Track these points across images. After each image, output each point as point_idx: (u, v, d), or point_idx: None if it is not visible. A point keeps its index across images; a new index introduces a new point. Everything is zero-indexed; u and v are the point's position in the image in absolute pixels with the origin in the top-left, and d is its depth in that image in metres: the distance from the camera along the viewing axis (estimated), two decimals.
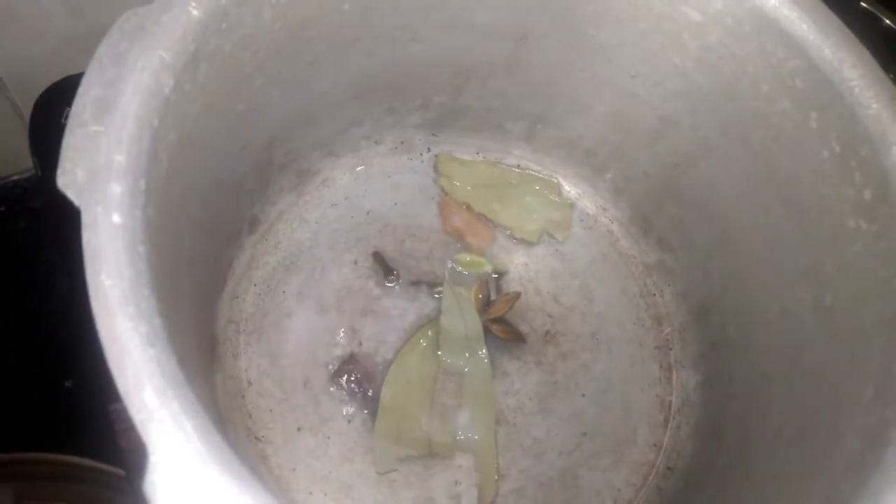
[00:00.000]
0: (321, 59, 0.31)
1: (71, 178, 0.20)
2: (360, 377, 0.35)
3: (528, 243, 0.40)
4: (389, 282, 0.38)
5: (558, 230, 0.40)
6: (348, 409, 0.34)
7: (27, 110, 0.45)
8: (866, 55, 0.27)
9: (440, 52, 0.34)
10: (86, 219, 0.19)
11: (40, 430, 0.44)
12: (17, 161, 0.51)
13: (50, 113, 0.43)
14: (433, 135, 0.41)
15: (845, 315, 0.28)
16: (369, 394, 0.35)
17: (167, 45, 0.22)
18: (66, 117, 0.45)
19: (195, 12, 0.23)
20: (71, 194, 0.20)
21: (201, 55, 0.23)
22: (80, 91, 0.21)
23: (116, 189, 0.20)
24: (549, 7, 0.33)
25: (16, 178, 0.52)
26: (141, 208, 0.20)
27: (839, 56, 0.27)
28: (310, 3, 0.27)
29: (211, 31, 0.24)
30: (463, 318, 0.36)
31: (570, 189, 0.41)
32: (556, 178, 0.41)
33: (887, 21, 0.45)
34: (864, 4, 0.45)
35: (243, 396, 0.34)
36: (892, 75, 0.38)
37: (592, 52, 0.34)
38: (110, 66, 0.21)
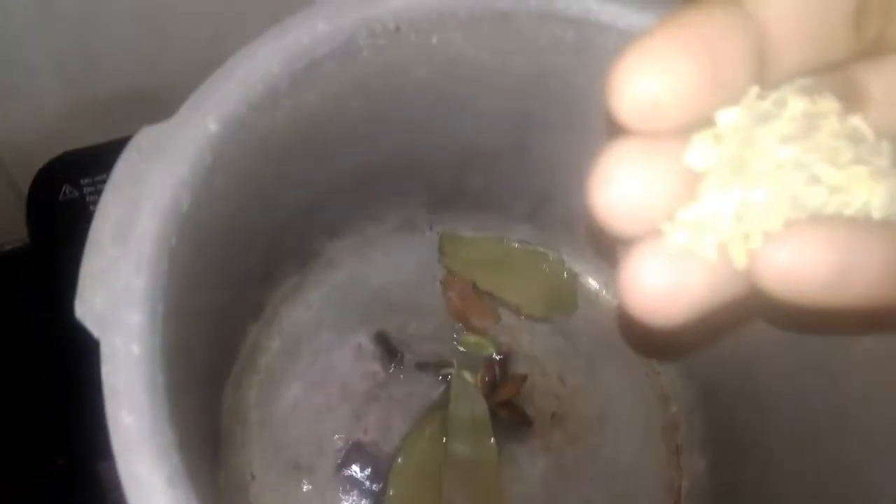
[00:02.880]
0: (330, 152, 0.31)
1: (89, 308, 0.19)
2: (366, 467, 0.34)
3: (532, 322, 0.40)
4: (394, 364, 0.37)
5: (565, 306, 0.40)
6: (355, 502, 0.34)
7: (23, 183, 0.44)
8: None
9: (445, 138, 0.35)
10: (105, 350, 0.19)
11: None
12: (11, 232, 0.50)
13: (48, 189, 0.43)
14: (436, 213, 0.41)
15: (857, 410, 0.28)
16: (375, 486, 0.34)
17: (186, 162, 0.22)
18: (64, 194, 0.44)
19: (213, 126, 0.23)
20: (89, 324, 0.19)
21: (217, 166, 0.23)
22: (98, 214, 0.21)
23: (136, 318, 0.19)
24: (552, 96, 0.33)
25: (9, 248, 0.52)
26: (160, 334, 0.20)
27: None
28: (321, 103, 0.28)
29: (227, 142, 0.23)
30: (471, 406, 0.35)
31: (572, 265, 0.41)
32: (560, 254, 0.41)
33: None
34: None
35: (247, 491, 0.33)
36: None
37: (595, 139, 0.34)
38: (128, 187, 0.21)
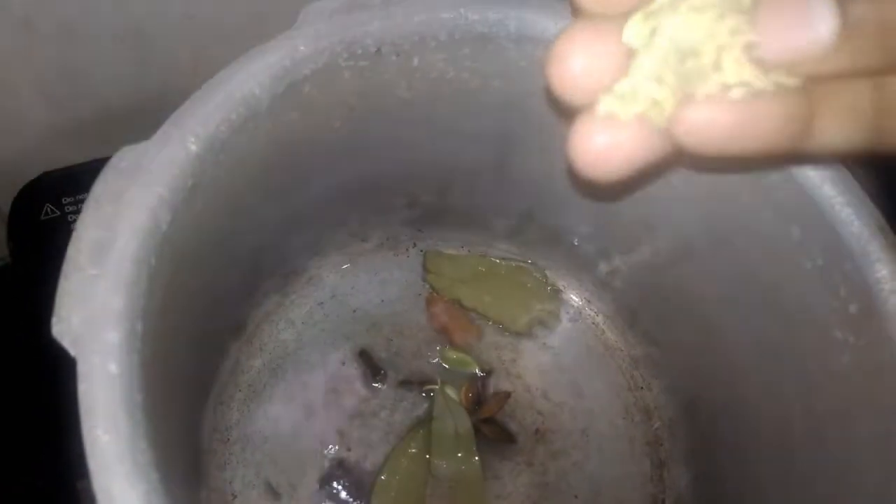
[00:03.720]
0: (311, 172, 0.31)
1: (66, 327, 0.19)
2: (349, 485, 0.34)
3: (516, 339, 0.40)
4: (377, 382, 0.37)
5: (549, 318, 0.40)
6: None
7: (4, 203, 0.44)
8: (846, 174, 0.28)
9: (427, 158, 0.35)
10: (82, 369, 0.19)
11: None
12: None
13: (29, 209, 0.43)
14: (419, 230, 0.41)
15: (836, 426, 0.28)
16: (359, 502, 0.34)
17: (166, 182, 0.22)
18: (46, 213, 0.44)
19: (193, 147, 0.23)
20: (66, 343, 0.19)
21: (198, 187, 0.23)
22: (77, 233, 0.21)
23: (114, 337, 0.19)
24: (532, 116, 0.33)
25: None
26: (138, 353, 0.20)
27: (820, 173, 0.28)
28: (303, 124, 0.28)
29: (208, 162, 0.24)
30: (454, 422, 0.35)
31: (555, 280, 0.42)
32: (543, 269, 0.41)
33: None
34: None
35: None
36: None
37: None
38: (107, 206, 0.21)
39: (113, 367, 0.19)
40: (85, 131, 0.46)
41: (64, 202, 0.42)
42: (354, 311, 0.39)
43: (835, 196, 0.28)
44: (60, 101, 0.45)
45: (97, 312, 0.20)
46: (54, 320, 0.20)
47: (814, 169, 0.28)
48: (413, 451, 0.35)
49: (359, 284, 0.40)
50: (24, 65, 0.42)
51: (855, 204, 0.27)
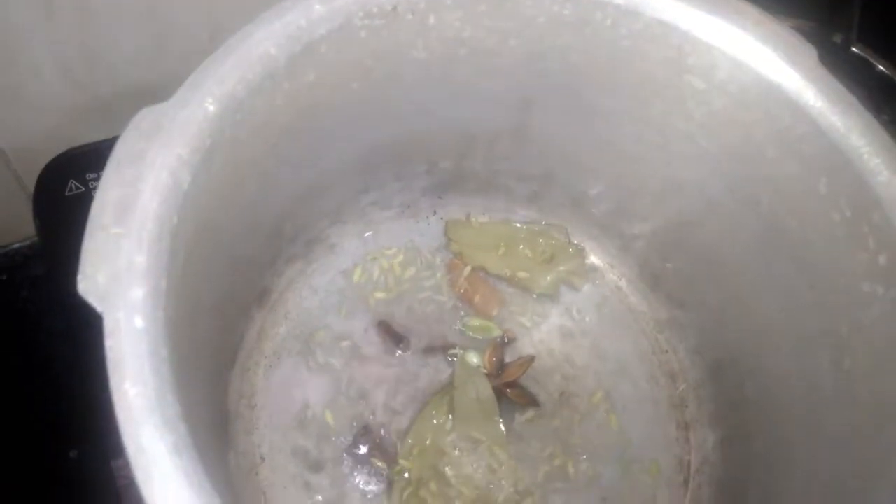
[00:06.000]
0: (330, 136, 0.31)
1: (92, 284, 0.20)
2: (374, 449, 0.35)
3: (539, 304, 0.40)
4: (400, 349, 0.37)
5: (575, 278, 0.40)
6: (364, 483, 0.34)
7: (29, 181, 0.45)
8: (874, 123, 0.27)
9: (446, 121, 0.35)
10: (108, 325, 0.19)
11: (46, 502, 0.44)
12: (18, 230, 0.51)
13: (54, 185, 0.43)
14: (439, 197, 0.41)
15: (865, 380, 0.28)
16: (385, 466, 0.34)
17: (185, 142, 0.22)
18: (70, 189, 0.45)
19: (211, 107, 0.23)
20: (92, 300, 0.20)
21: (217, 147, 0.23)
22: (99, 192, 0.21)
23: (138, 293, 0.20)
24: (551, 76, 0.33)
25: (17, 245, 0.52)
26: (163, 309, 0.20)
27: (847, 123, 0.27)
28: (320, 86, 0.28)
29: (226, 123, 0.24)
30: (475, 388, 0.35)
31: (577, 244, 0.41)
32: (566, 230, 0.41)
33: (880, 67, 0.46)
34: (855, 50, 0.46)
35: (257, 473, 0.33)
36: (885, 116, 0.38)
37: (595, 118, 0.34)
38: (128, 166, 0.21)
39: (139, 322, 0.19)
40: (107, 108, 0.46)
41: (88, 178, 0.43)
42: (377, 278, 0.39)
43: (862, 146, 0.27)
44: (81, 79, 0.45)
45: (122, 269, 0.20)
46: (80, 277, 0.20)
47: (840, 118, 0.27)
48: (438, 416, 0.35)
49: (380, 252, 0.40)
50: (44, 43, 0.43)
51: (883, 153, 0.27)
